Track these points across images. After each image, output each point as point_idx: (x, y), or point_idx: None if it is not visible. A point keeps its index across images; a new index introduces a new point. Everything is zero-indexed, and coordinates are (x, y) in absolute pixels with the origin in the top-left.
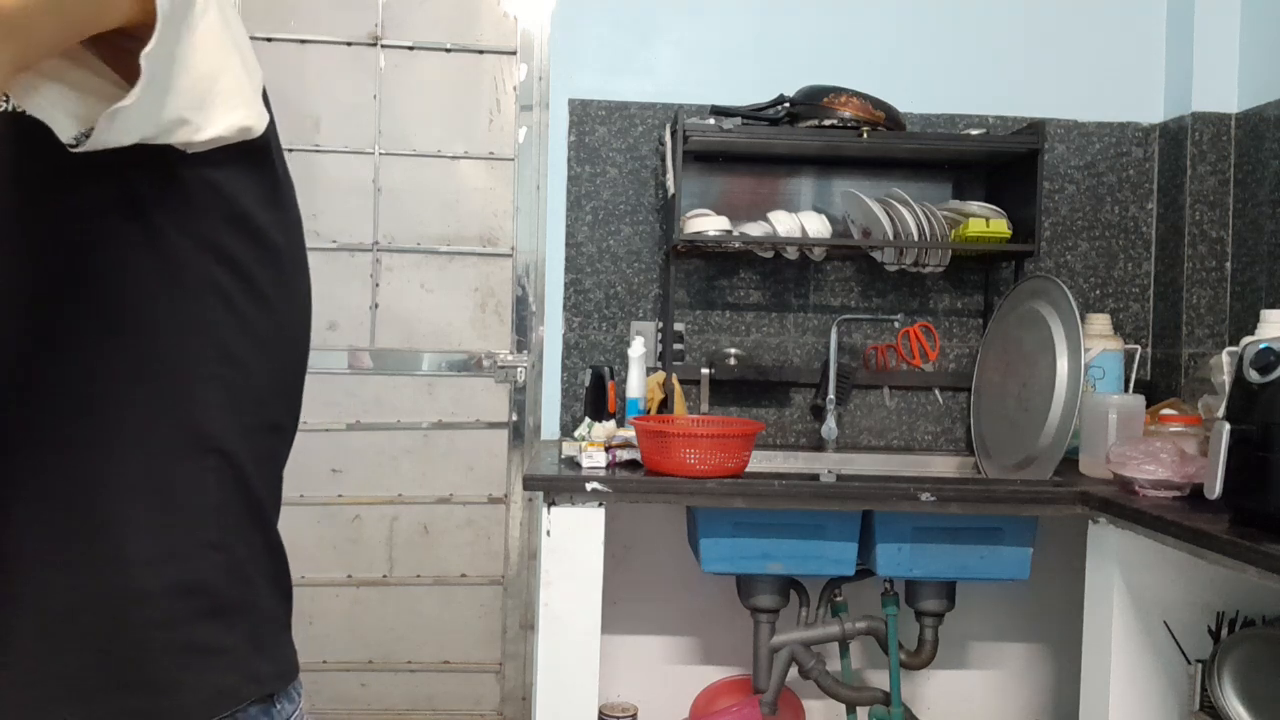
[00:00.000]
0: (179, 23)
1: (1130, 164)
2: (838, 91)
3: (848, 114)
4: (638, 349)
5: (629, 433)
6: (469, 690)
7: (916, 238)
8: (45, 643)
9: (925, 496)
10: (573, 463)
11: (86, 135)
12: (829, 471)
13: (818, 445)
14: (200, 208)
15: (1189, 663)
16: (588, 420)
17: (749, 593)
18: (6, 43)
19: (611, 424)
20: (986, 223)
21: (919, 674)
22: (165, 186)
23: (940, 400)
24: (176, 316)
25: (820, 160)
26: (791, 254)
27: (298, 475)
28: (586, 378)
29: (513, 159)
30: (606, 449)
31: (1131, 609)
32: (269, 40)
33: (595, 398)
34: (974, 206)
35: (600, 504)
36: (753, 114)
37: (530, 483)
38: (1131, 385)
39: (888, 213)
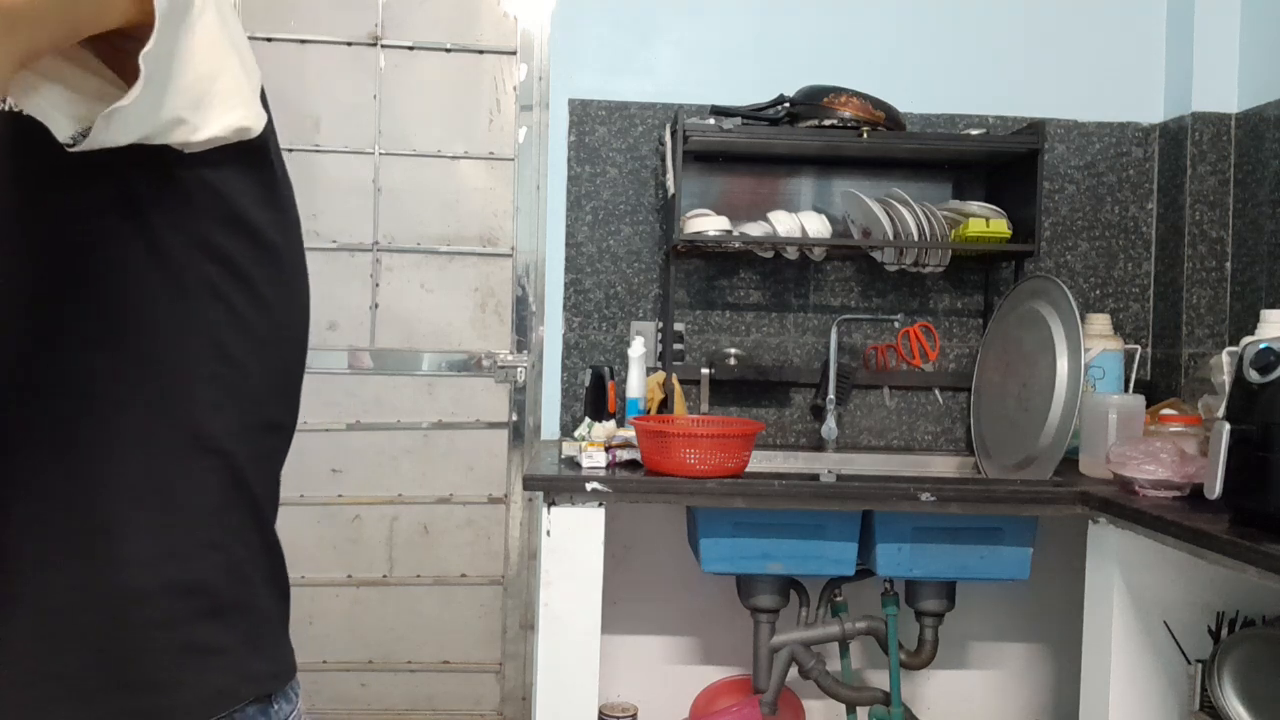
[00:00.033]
0: (177, 23)
1: (1130, 164)
2: (838, 91)
3: (848, 114)
4: (638, 349)
5: (629, 433)
6: (469, 690)
7: (916, 238)
8: (45, 643)
9: (925, 496)
10: (573, 463)
11: (84, 135)
12: (829, 471)
13: (818, 445)
14: (198, 208)
15: (1189, 663)
16: (588, 420)
17: (749, 593)
18: (10, 38)
19: (611, 424)
20: (986, 223)
21: (919, 674)
22: (163, 186)
23: (940, 400)
24: (175, 316)
25: (820, 160)
26: (791, 254)
27: (298, 475)
28: (586, 378)
29: (513, 159)
30: (606, 449)
31: (1131, 609)
32: (269, 40)
33: (595, 398)
34: (974, 206)
35: (600, 504)
36: (753, 114)
37: (530, 483)
38: (1131, 385)
39: (888, 213)
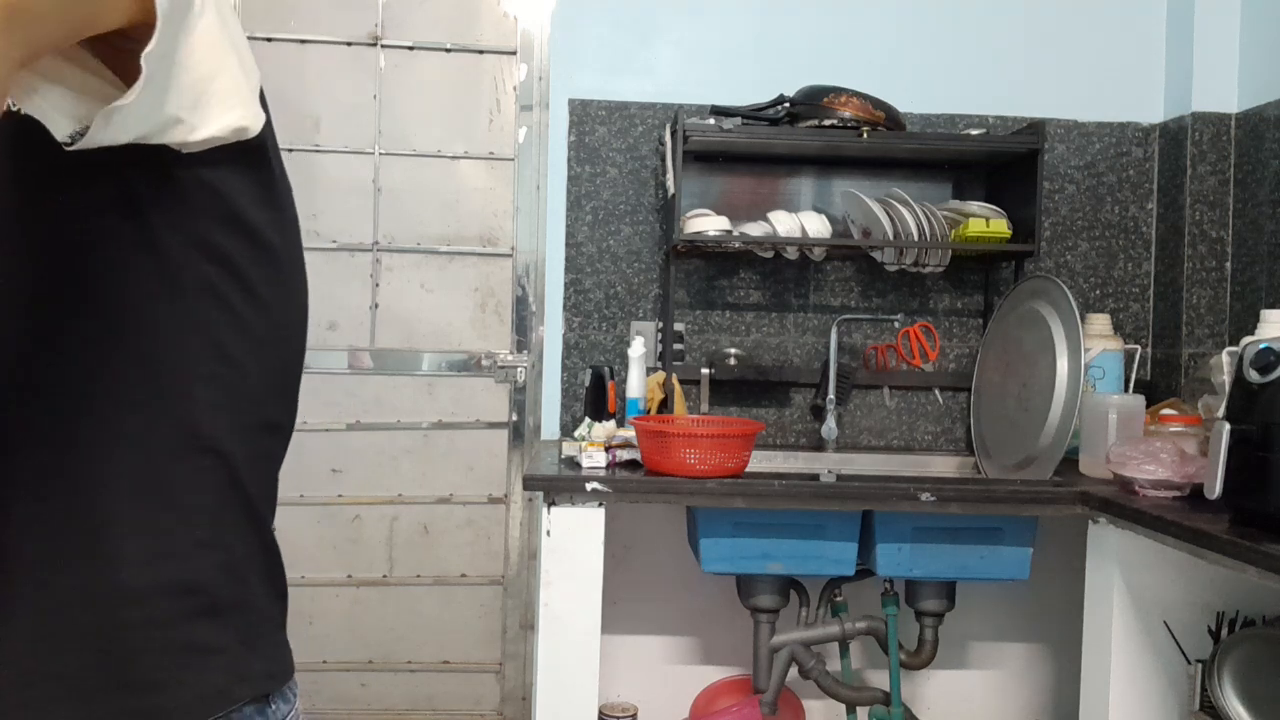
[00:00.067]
0: (178, 23)
1: (1130, 164)
2: (838, 91)
3: (848, 114)
4: (638, 349)
5: (629, 433)
6: (469, 690)
7: (916, 238)
8: (44, 643)
9: (925, 496)
10: (573, 463)
11: (82, 134)
12: (829, 471)
13: (818, 445)
14: (196, 208)
15: (1189, 663)
16: (588, 420)
17: (749, 593)
18: (12, 38)
19: (611, 424)
20: (986, 223)
21: (919, 674)
22: (161, 186)
23: (940, 400)
24: (173, 316)
25: (820, 160)
26: (791, 254)
27: (298, 475)
28: (586, 378)
29: (513, 159)
30: (606, 449)
31: (1131, 609)
32: (269, 40)
33: (595, 398)
34: (974, 206)
35: (600, 504)
36: (753, 114)
37: (530, 483)
38: (1131, 385)
39: (888, 213)
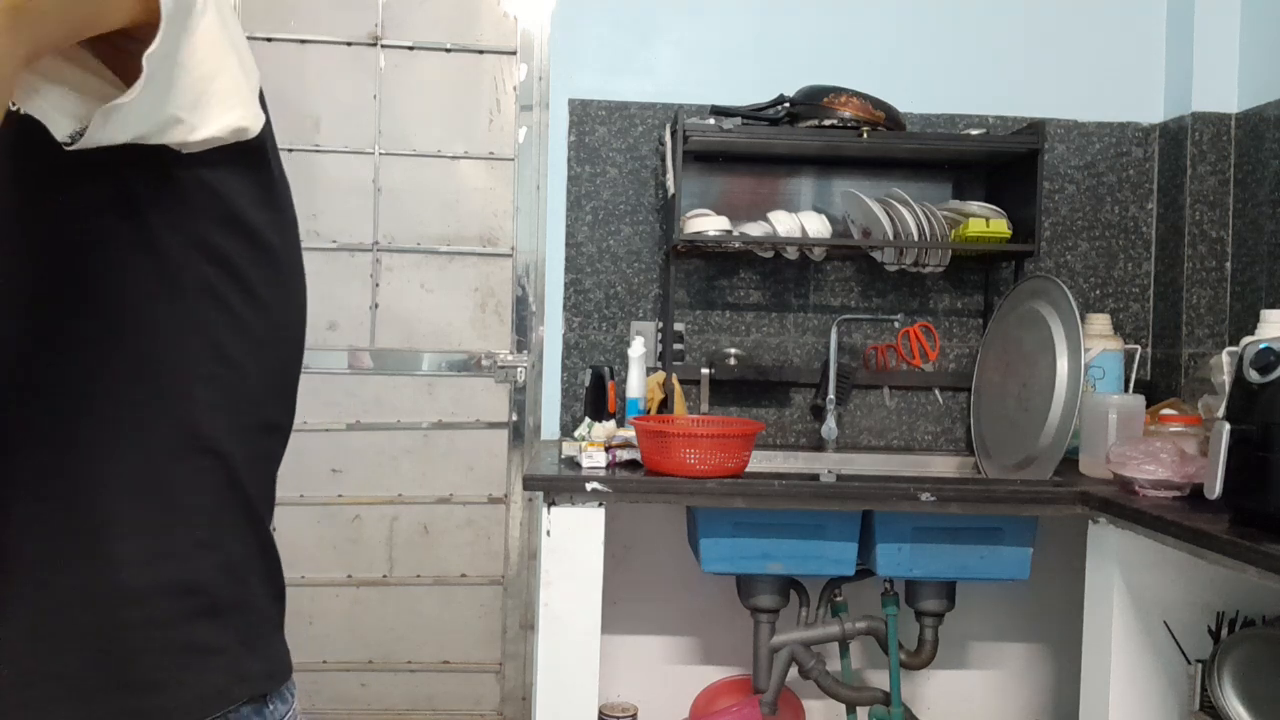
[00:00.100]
0: (180, 23)
1: (1130, 164)
2: (838, 91)
3: (848, 114)
4: (638, 349)
5: (629, 433)
6: (469, 690)
7: (916, 238)
8: (44, 642)
9: (925, 496)
10: (573, 463)
11: (81, 133)
12: (829, 471)
13: (818, 445)
14: (196, 208)
15: (1189, 663)
16: (588, 420)
17: (749, 593)
18: (18, 35)
19: (611, 424)
20: (986, 223)
21: (919, 674)
22: (161, 187)
23: (940, 400)
24: (172, 317)
25: (820, 160)
26: (791, 254)
27: (298, 475)
28: (586, 378)
29: (513, 159)
30: (606, 449)
31: (1131, 609)
32: (269, 40)
33: (595, 398)
34: (974, 206)
35: (600, 504)
36: (753, 114)
37: (530, 483)
38: (1131, 385)
39: (888, 213)
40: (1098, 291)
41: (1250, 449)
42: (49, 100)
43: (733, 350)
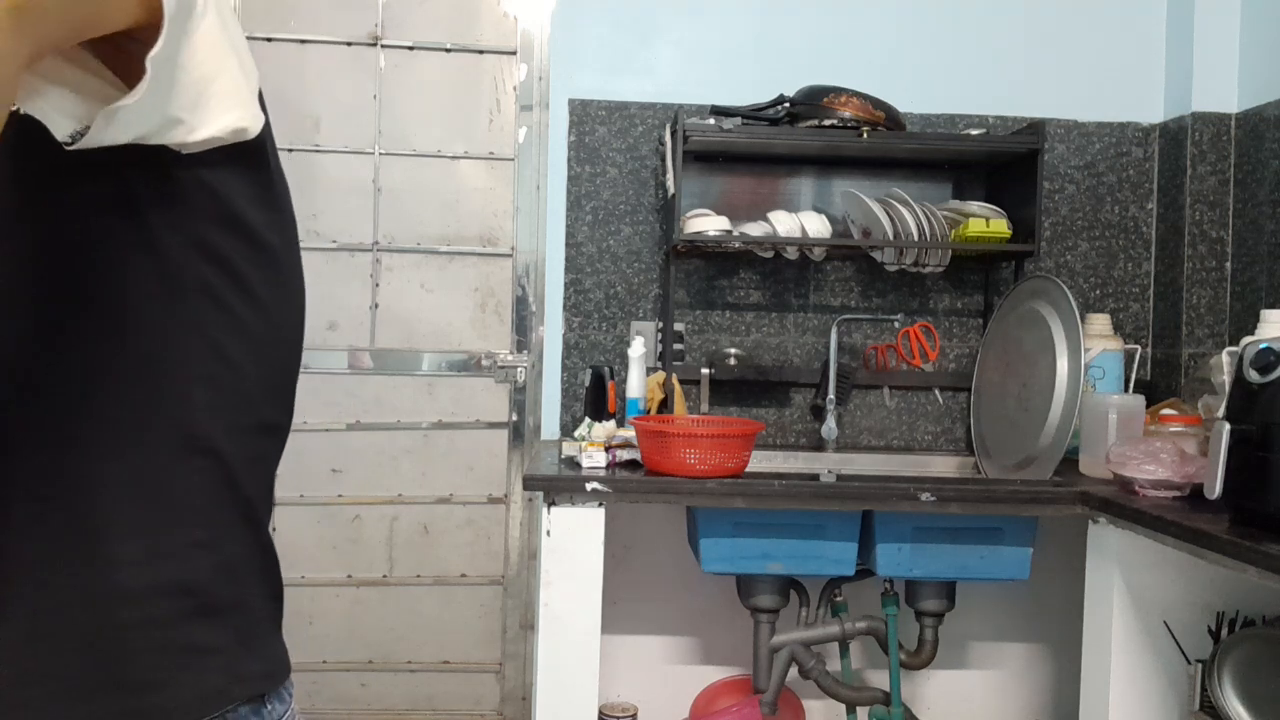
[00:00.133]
0: (182, 24)
1: (1130, 164)
2: (838, 91)
3: (848, 114)
4: (638, 349)
5: (629, 433)
6: (469, 690)
7: (916, 238)
8: (43, 642)
9: (925, 496)
10: (573, 463)
11: (82, 134)
12: (829, 471)
13: (818, 445)
14: (195, 208)
15: (1189, 663)
16: (588, 420)
17: (749, 593)
18: (22, 36)
19: (611, 424)
20: (986, 223)
21: (919, 674)
22: (160, 187)
23: (940, 400)
24: (172, 317)
25: (820, 160)
26: (791, 254)
27: (298, 475)
28: (586, 378)
29: (513, 159)
30: (606, 449)
31: (1131, 609)
32: (269, 40)
33: (595, 398)
34: (974, 206)
35: (600, 504)
36: (753, 114)
37: (530, 483)
38: (1131, 385)
39: (888, 213)
40: (1098, 291)
41: (1250, 449)
42: (50, 101)
43: (733, 350)
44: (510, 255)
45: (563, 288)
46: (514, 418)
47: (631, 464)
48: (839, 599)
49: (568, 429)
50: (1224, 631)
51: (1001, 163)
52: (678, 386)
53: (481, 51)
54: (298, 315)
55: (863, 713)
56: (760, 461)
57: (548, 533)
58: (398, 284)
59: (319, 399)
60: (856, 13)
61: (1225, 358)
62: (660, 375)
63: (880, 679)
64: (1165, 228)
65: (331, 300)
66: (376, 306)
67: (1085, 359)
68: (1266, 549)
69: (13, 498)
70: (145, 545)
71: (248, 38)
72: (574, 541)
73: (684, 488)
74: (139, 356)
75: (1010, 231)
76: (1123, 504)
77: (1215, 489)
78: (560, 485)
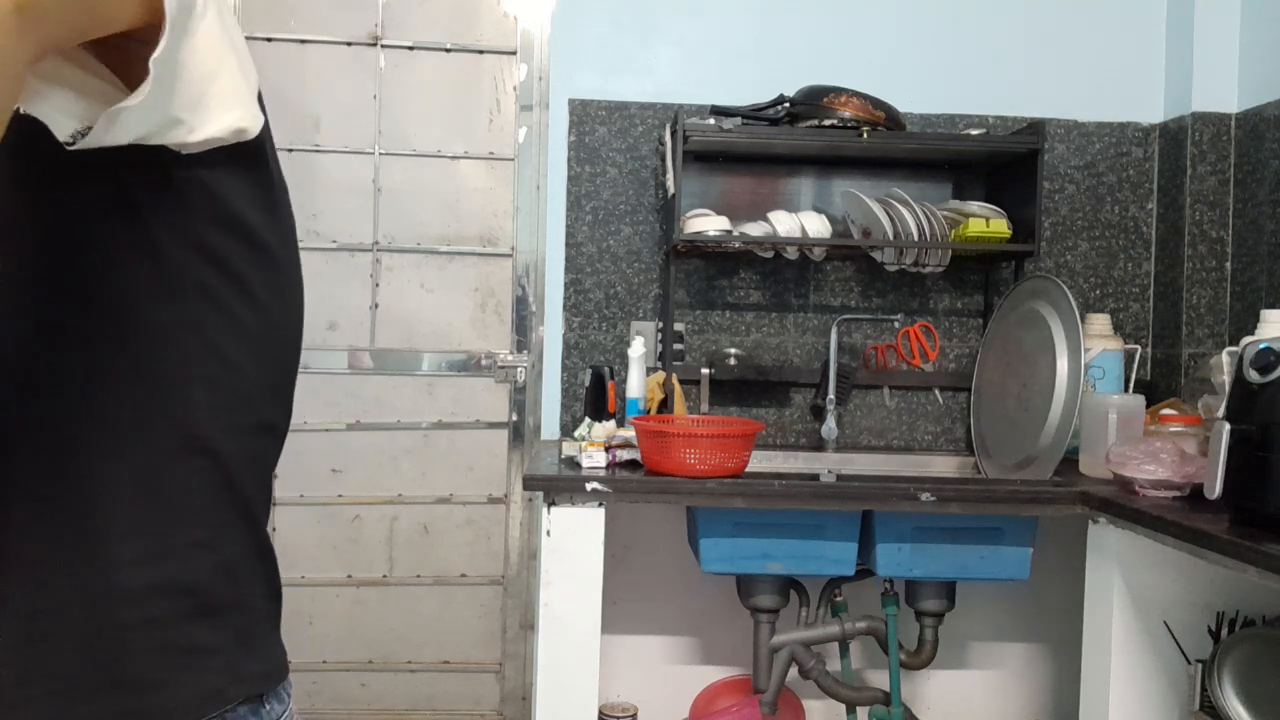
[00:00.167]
0: (183, 24)
1: (1130, 164)
2: (838, 91)
3: (848, 114)
4: (638, 349)
5: (629, 433)
6: (469, 690)
7: (916, 238)
8: (43, 642)
9: (925, 496)
10: (573, 463)
11: (83, 134)
12: (829, 471)
13: (818, 445)
14: (194, 208)
15: (1189, 663)
16: (588, 420)
17: (749, 593)
18: (27, 37)
19: (611, 424)
20: (986, 223)
21: (919, 674)
22: (159, 187)
23: (940, 400)
24: (171, 317)
25: (820, 160)
26: (791, 254)
27: (298, 475)
28: (586, 378)
29: (513, 159)
30: (606, 449)
31: (1131, 609)
32: (269, 40)
33: (595, 398)
34: (974, 206)
35: (600, 504)
36: (753, 114)
37: (530, 483)
38: (1131, 385)
39: (888, 213)
40: (1098, 291)
41: (1250, 449)
42: (51, 102)
43: (733, 350)
44: (510, 255)
45: (563, 288)
46: (514, 418)
47: (631, 464)
48: (839, 599)
49: (568, 429)
50: (1224, 631)
51: (1001, 163)
52: (678, 386)
53: (481, 51)
54: (297, 315)
55: (863, 713)
56: (760, 461)
57: (548, 533)
58: (398, 284)
59: (319, 399)
60: (856, 13)
61: (1225, 358)
62: (660, 375)
63: (880, 679)
64: (1165, 228)
65: (331, 300)
66: (376, 306)
67: (1085, 359)
68: (1266, 549)
69: (12, 498)
70: (145, 545)
71: (247, 38)
72: (574, 541)
73: (684, 488)
74: (139, 357)
75: (1010, 231)
76: (1123, 504)
77: (1215, 489)
78: (560, 485)
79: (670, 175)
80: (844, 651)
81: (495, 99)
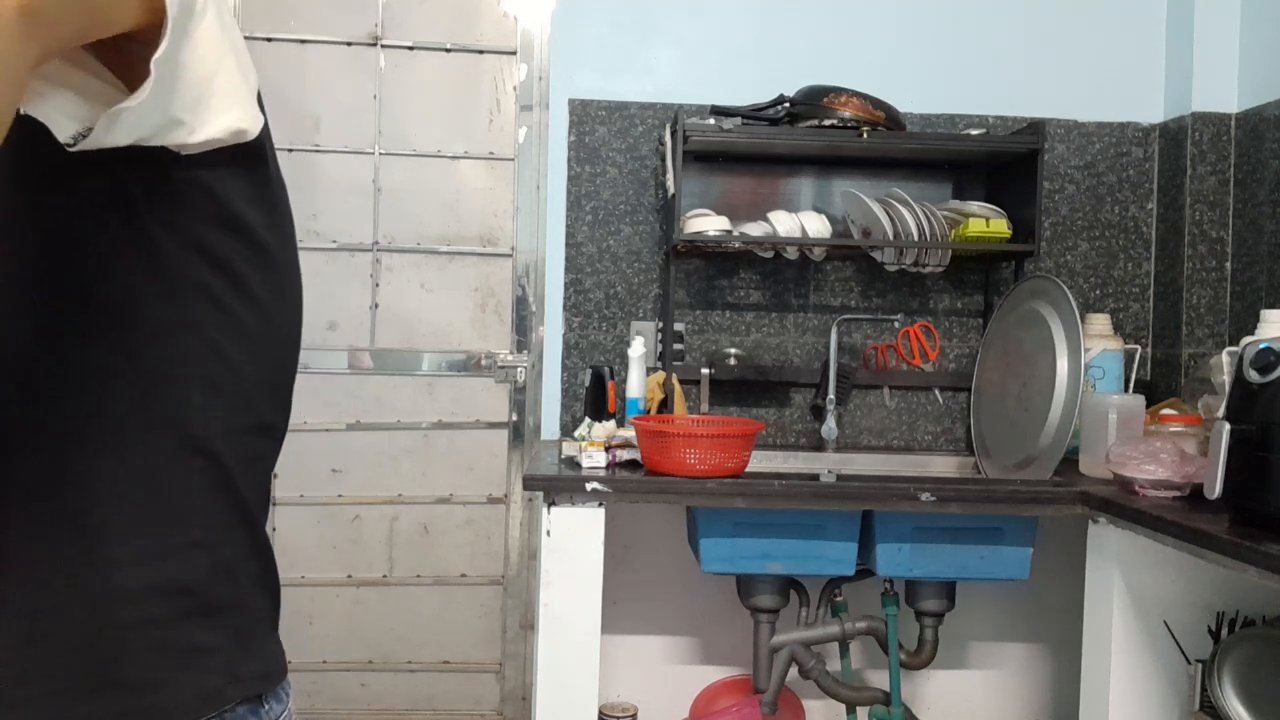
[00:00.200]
0: (183, 26)
1: (1130, 164)
2: (838, 91)
3: (848, 114)
4: (638, 349)
5: (629, 433)
6: (469, 690)
7: (916, 238)
8: (43, 642)
9: (925, 496)
10: (573, 463)
11: (84, 135)
12: (829, 471)
13: (818, 445)
14: (193, 209)
15: (1189, 663)
16: (588, 420)
17: (749, 593)
18: (31, 39)
19: (611, 424)
20: (986, 223)
21: (919, 674)
22: (159, 188)
23: (940, 400)
24: (170, 317)
25: (820, 160)
26: (791, 254)
27: (298, 475)
28: (586, 378)
29: (513, 159)
30: (606, 449)
31: (1131, 609)
32: (269, 40)
33: (595, 398)
34: (974, 206)
35: (600, 504)
36: (753, 114)
37: (530, 483)
38: (1131, 385)
39: (888, 213)
40: (1098, 291)
41: (1250, 449)
42: (52, 103)
43: (733, 350)
44: (510, 255)
45: (563, 288)
46: (514, 418)
47: (631, 464)
48: (839, 599)
49: (568, 429)
50: (1224, 631)
51: (1001, 163)
52: (678, 386)
53: (481, 51)
54: (295, 315)
55: (863, 713)
56: (760, 461)
57: (548, 533)
58: (398, 284)
59: (319, 399)
60: (856, 13)
61: (1225, 358)
62: (660, 375)
63: (880, 679)
64: (1165, 228)
65: (331, 300)
66: (376, 306)
67: (1085, 359)
68: (1266, 549)
69: (11, 498)
70: (143, 545)
71: (247, 38)
72: (574, 541)
73: (684, 488)
74: (137, 357)
75: (1010, 231)
76: (1123, 504)
77: (1215, 489)
78: (560, 485)
79: (670, 175)
80: (844, 651)
81: (495, 99)
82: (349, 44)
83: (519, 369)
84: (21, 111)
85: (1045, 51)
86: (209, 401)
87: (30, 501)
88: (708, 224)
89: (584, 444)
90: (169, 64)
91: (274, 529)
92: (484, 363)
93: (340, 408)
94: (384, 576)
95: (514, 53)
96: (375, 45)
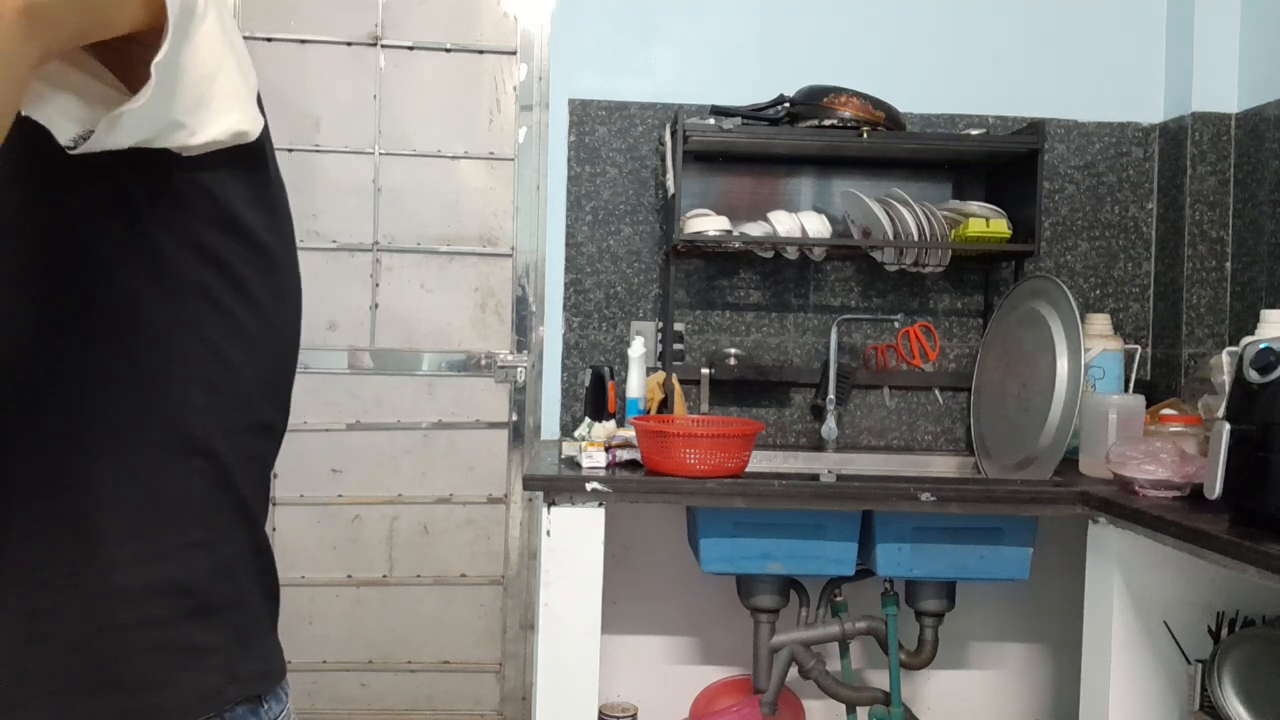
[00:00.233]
0: (184, 27)
1: (1130, 164)
2: (838, 91)
3: (848, 114)
4: (638, 349)
5: (629, 433)
6: (469, 690)
7: (916, 238)
8: (42, 642)
9: (925, 496)
10: (573, 463)
11: (85, 137)
12: (829, 471)
13: (818, 445)
14: (193, 210)
15: (1189, 663)
16: (588, 420)
17: (749, 593)
18: (32, 39)
19: (611, 424)
20: (986, 223)
21: (919, 674)
22: (159, 189)
23: (940, 400)
24: (170, 318)
25: (820, 160)
26: (791, 254)
27: (298, 475)
28: (586, 378)
29: (513, 159)
30: (606, 449)
31: (1131, 609)
32: (269, 40)
33: (595, 398)
34: (974, 206)
35: (600, 504)
36: (753, 114)
37: (530, 483)
38: (1131, 385)
39: (888, 213)
40: (1098, 291)
41: (1250, 449)
42: (53, 105)
43: (733, 350)
44: (510, 255)
45: (563, 288)
46: (514, 418)
47: (631, 464)
48: (839, 599)
49: (568, 429)
50: (1224, 631)
51: (1001, 163)
52: (678, 386)
53: (481, 51)
54: (295, 316)
55: (863, 713)
56: (760, 461)
57: (548, 533)
58: (398, 284)
59: (319, 399)
60: (856, 13)
61: (1225, 358)
62: (660, 375)
63: (880, 679)
64: (1165, 228)
65: (331, 300)
66: (376, 306)
67: (1085, 359)
68: (1266, 549)
69: (11, 498)
70: (143, 545)
71: (247, 38)
72: (574, 541)
73: (684, 488)
74: (138, 358)
75: (1010, 231)
76: (1123, 504)
77: (1215, 489)
78: (560, 485)
79: (670, 175)
80: (844, 651)
81: (495, 99)
82: (349, 44)
83: (519, 369)
84: (22, 113)
85: (1045, 51)
86: (209, 401)
87: (30, 501)
88: (708, 224)
89: (584, 444)
90: (170, 67)
91: (274, 529)
92: (484, 363)
93: (340, 408)
94: (384, 576)
95: (514, 53)
96: (375, 45)
